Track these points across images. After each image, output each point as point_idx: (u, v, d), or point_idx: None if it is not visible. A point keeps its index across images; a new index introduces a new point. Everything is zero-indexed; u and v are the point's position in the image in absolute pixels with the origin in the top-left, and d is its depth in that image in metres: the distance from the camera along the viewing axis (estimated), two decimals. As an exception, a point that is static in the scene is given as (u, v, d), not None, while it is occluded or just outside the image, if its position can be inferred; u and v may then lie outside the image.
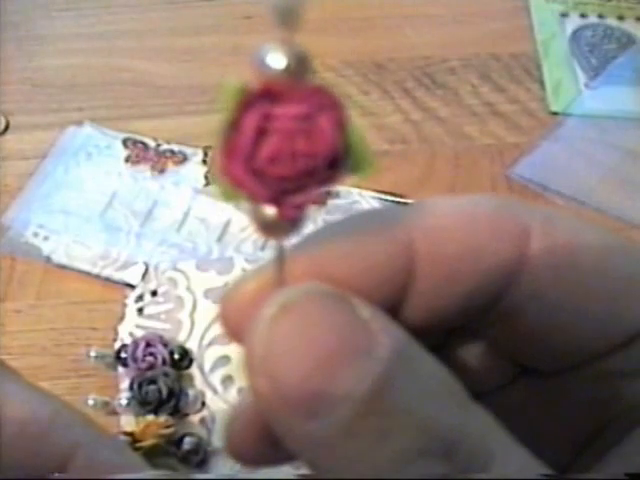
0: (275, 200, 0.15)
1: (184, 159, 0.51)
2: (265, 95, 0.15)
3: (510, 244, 0.17)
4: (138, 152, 0.51)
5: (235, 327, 0.17)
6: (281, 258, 0.16)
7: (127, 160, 0.51)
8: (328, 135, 0.15)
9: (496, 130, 0.53)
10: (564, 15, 0.61)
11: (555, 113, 0.54)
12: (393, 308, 0.16)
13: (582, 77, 0.57)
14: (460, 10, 0.61)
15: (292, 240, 0.16)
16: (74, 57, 0.58)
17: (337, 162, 0.15)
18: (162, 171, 0.50)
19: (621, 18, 0.61)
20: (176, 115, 0.54)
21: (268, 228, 0.15)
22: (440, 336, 0.19)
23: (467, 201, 0.17)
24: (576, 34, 0.60)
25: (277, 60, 0.14)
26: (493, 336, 0.18)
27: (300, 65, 0.14)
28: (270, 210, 0.15)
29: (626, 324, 0.17)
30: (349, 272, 0.16)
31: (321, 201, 0.16)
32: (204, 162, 0.50)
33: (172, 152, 0.51)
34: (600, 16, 0.61)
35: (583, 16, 0.61)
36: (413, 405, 0.14)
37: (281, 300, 0.15)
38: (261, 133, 0.15)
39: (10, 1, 0.61)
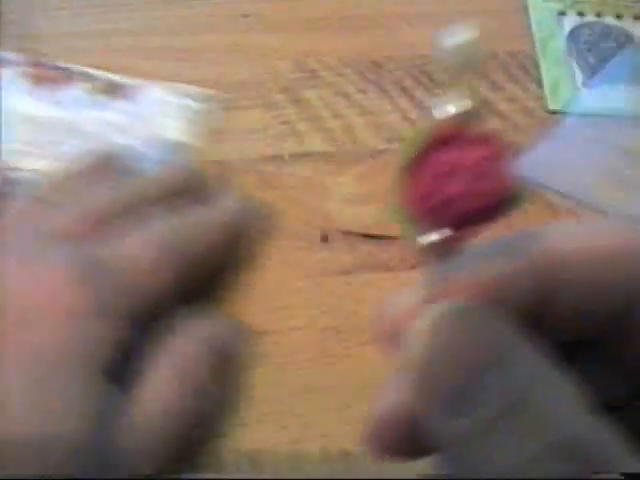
0: (445, 230, 0.17)
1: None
2: (446, 139, 0.16)
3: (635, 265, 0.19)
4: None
5: (390, 334, 0.20)
6: (436, 278, 0.19)
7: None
8: (507, 178, 0.16)
9: (494, 129, 0.53)
10: (562, 14, 0.61)
11: (553, 112, 0.54)
12: (536, 321, 0.19)
13: (580, 76, 0.57)
14: (458, 8, 0.61)
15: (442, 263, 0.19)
16: (72, 55, 0.58)
17: (503, 202, 0.16)
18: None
19: (619, 17, 0.61)
20: (174, 114, 0.54)
21: (429, 252, 0.18)
22: (569, 349, 0.20)
23: (587, 227, 0.20)
24: (574, 33, 0.60)
25: (456, 108, 0.16)
26: (620, 353, 0.20)
27: (473, 113, 0.16)
28: (436, 237, 0.18)
29: None
30: (499, 288, 0.19)
31: (476, 235, 0.18)
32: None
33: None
34: (598, 15, 0.61)
35: (581, 15, 0.61)
36: (547, 412, 0.16)
37: (435, 314, 0.18)
38: (445, 173, 0.16)
39: (9, 0, 0.61)
